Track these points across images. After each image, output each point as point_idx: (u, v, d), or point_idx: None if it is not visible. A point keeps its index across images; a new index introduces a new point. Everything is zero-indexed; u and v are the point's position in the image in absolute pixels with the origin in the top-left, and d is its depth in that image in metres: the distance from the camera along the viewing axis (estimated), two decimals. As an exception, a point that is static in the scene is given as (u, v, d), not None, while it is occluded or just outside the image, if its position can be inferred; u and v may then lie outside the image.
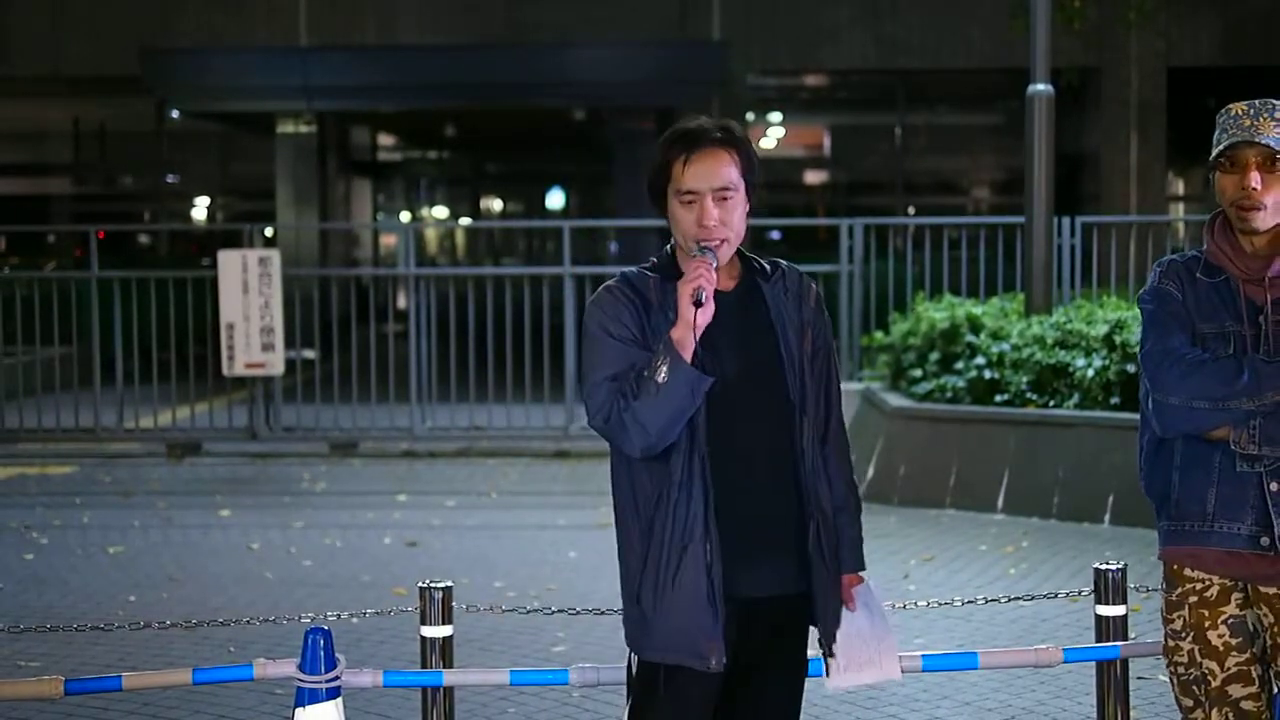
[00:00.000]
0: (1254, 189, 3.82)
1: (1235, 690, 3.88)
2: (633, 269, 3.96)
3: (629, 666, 3.95)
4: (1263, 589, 3.86)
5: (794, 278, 3.99)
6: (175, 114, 25.05)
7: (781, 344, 3.90)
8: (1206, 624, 3.90)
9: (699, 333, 3.74)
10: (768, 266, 4.00)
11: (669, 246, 3.98)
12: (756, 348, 3.89)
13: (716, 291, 3.84)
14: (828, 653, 3.96)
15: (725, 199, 3.85)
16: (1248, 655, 3.89)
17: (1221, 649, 3.89)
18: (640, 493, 3.86)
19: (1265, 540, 3.82)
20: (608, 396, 3.77)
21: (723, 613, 3.78)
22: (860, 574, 4.01)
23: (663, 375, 3.72)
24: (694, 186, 3.85)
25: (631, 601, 3.88)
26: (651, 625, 3.83)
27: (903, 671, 4.13)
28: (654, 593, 3.81)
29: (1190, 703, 3.94)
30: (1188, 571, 3.92)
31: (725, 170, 3.86)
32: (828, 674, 4.01)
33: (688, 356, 3.73)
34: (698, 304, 3.73)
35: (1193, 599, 3.92)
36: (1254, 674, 3.89)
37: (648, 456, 3.80)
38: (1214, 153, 3.87)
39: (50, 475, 13.01)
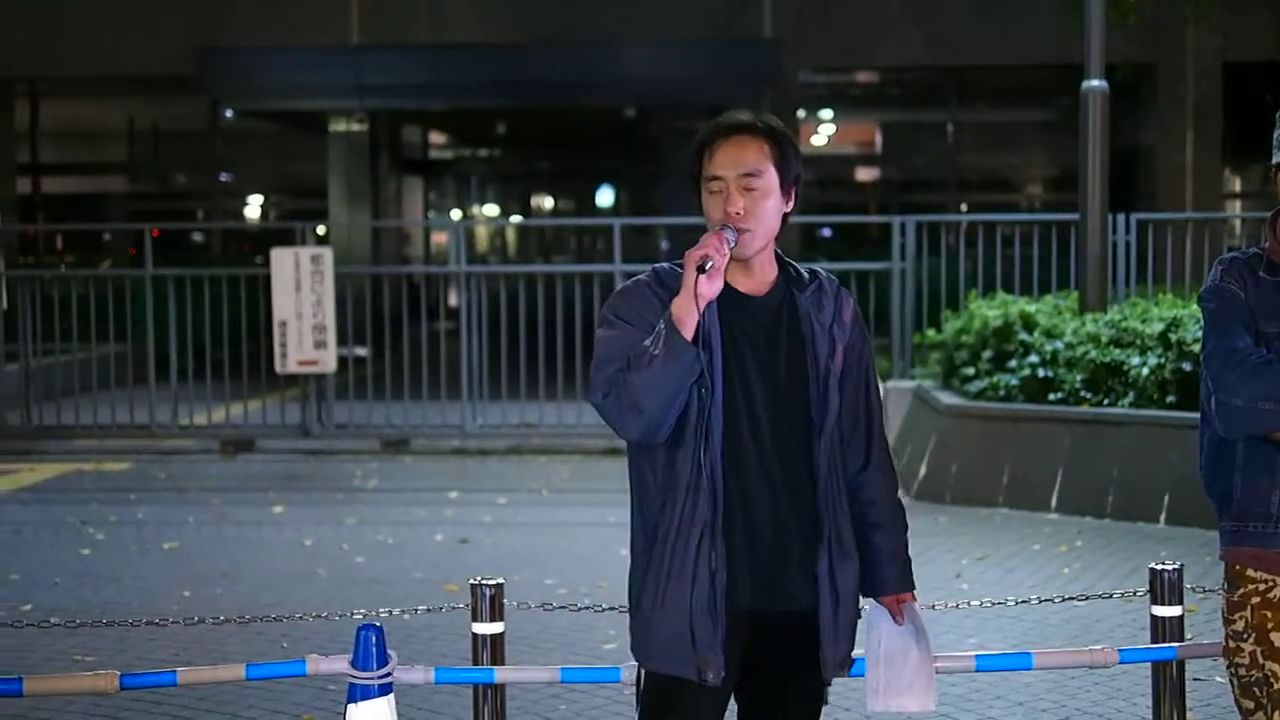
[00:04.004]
0: None
1: (1297, 692, 3.84)
2: (665, 265, 3.85)
3: (638, 677, 3.87)
4: (1326, 590, 3.82)
5: (831, 290, 3.87)
6: (229, 113, 25.19)
7: (809, 358, 3.79)
8: (1270, 625, 3.84)
9: (702, 304, 3.63)
10: (805, 275, 3.88)
11: None
12: (784, 358, 3.78)
13: (748, 296, 3.77)
14: (828, 678, 3.85)
15: (751, 188, 3.75)
16: (1310, 657, 3.85)
17: (1284, 650, 3.84)
18: (647, 495, 3.77)
19: (1330, 542, 3.78)
20: (609, 374, 3.68)
21: (724, 624, 3.69)
22: (908, 594, 3.93)
23: (659, 348, 3.62)
24: (719, 172, 3.76)
25: (634, 607, 3.80)
26: (651, 633, 3.74)
27: (956, 671, 4.09)
28: (654, 599, 3.73)
29: (1251, 704, 3.89)
30: (1250, 572, 3.88)
31: (752, 157, 3.76)
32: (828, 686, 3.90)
33: (687, 331, 3.62)
34: (701, 270, 3.62)
35: (1255, 600, 3.87)
36: (1316, 676, 3.85)
37: (648, 443, 3.71)
38: (1276, 156, 3.81)
39: (106, 471, 13.09)
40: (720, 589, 3.69)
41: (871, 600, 3.96)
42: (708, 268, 3.64)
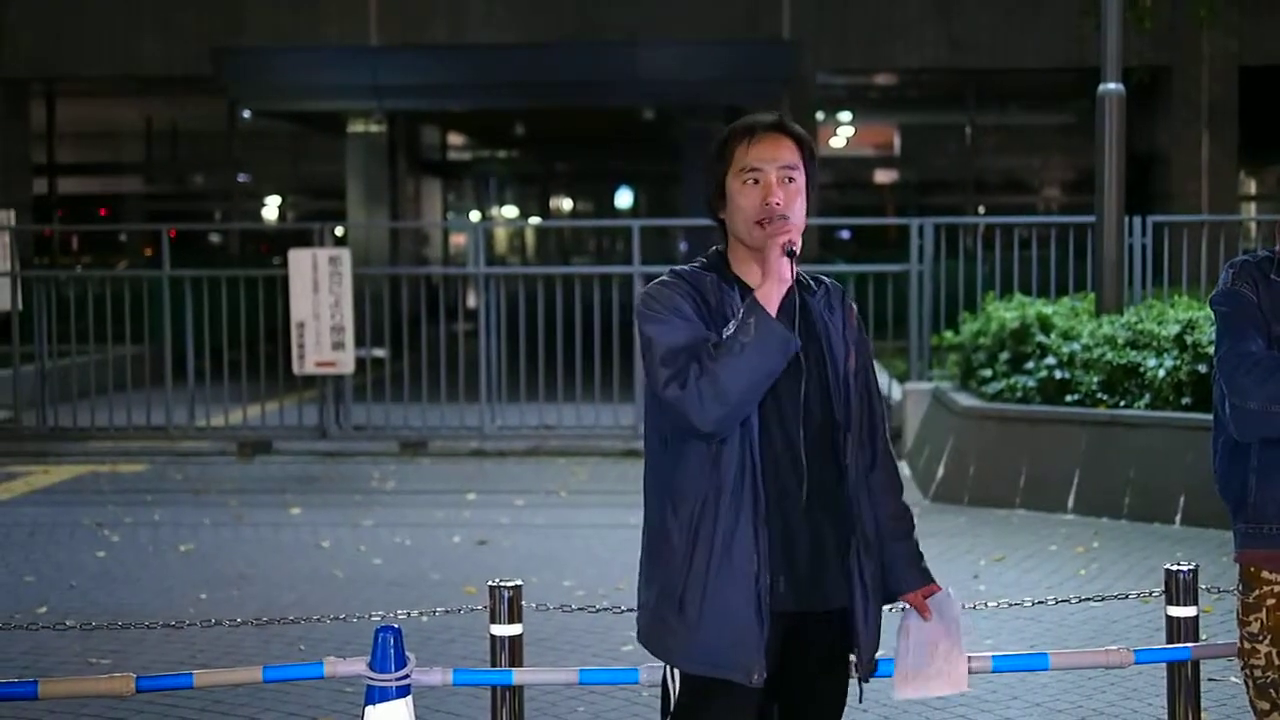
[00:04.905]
0: None
1: (1312, 694, 3.84)
2: (684, 267, 3.84)
3: (665, 679, 3.86)
4: (1341, 592, 3.83)
5: (837, 294, 3.90)
6: (246, 114, 25.25)
7: (828, 359, 3.81)
8: (1284, 627, 3.86)
9: (785, 288, 3.64)
10: (812, 282, 3.91)
11: (717, 249, 3.88)
12: (804, 359, 3.78)
13: None
14: (863, 676, 3.86)
15: (790, 180, 3.76)
16: (1324, 659, 3.85)
17: (1299, 652, 3.85)
18: (681, 495, 3.73)
19: (1345, 544, 3.78)
20: (682, 364, 3.61)
21: (768, 626, 3.69)
22: (932, 585, 3.96)
23: (749, 334, 3.57)
24: (757, 164, 3.76)
25: (673, 610, 3.74)
26: (695, 635, 3.72)
27: (972, 672, 4.10)
28: (699, 601, 3.70)
29: (1266, 706, 3.90)
30: (1265, 574, 3.89)
31: (789, 153, 3.78)
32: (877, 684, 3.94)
33: (775, 314, 3.61)
34: (791, 254, 3.62)
35: (1270, 601, 3.88)
36: (1330, 678, 3.85)
37: (720, 435, 3.65)
38: None
39: (122, 473, 13.12)
40: (764, 590, 3.69)
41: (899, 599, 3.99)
42: (795, 250, 3.65)
